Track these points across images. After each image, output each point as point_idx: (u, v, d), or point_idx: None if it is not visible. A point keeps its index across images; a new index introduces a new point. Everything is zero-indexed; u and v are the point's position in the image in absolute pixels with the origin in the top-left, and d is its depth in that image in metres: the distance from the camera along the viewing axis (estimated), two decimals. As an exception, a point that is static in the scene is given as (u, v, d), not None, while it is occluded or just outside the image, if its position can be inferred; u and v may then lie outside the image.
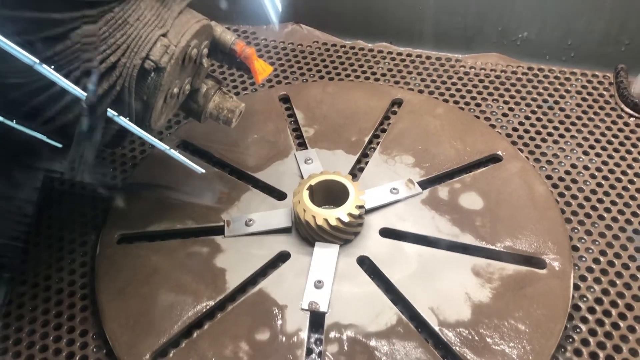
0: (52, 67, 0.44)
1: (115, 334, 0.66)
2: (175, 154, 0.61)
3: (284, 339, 0.65)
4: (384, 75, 0.98)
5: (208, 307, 0.68)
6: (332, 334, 0.65)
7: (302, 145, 0.86)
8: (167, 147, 0.60)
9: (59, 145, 0.56)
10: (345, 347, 0.64)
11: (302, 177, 0.80)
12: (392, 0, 0.99)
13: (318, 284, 0.68)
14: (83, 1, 0.45)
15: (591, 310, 0.69)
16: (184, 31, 0.52)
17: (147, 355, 0.64)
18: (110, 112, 0.50)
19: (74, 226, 0.79)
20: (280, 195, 0.79)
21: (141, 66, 0.50)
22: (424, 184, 0.79)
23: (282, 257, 0.72)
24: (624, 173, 0.82)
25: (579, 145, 0.86)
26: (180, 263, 0.72)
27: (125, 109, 0.52)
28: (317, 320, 0.67)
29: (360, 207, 0.71)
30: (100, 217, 0.79)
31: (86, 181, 0.82)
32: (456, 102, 0.93)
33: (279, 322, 0.66)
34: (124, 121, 0.51)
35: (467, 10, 0.97)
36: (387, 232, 0.74)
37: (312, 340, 0.66)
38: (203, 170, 0.66)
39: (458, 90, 0.95)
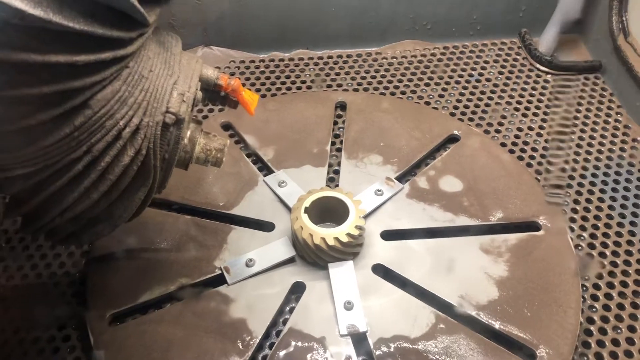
0: (74, 144, 0.37)
1: None
2: None
3: (336, 371, 0.62)
4: (313, 81, 0.97)
5: (243, 364, 0.62)
6: (381, 351, 0.63)
7: (264, 169, 0.82)
8: None
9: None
10: (399, 359, 0.62)
11: (282, 202, 0.76)
12: (304, 7, 0.98)
13: (348, 305, 0.66)
14: (102, 61, 0.37)
15: (589, 256, 0.74)
16: (190, 75, 0.46)
17: None
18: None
19: (46, 322, 0.68)
20: (267, 227, 0.74)
21: (163, 122, 0.43)
22: (400, 179, 0.79)
23: (298, 289, 0.68)
24: (562, 125, 0.89)
25: (516, 109, 0.91)
26: (192, 327, 0.65)
27: (150, 175, 0.45)
28: (360, 341, 0.64)
29: (363, 217, 0.69)
30: (73, 303, 0.69)
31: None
32: (392, 94, 0.94)
33: (325, 356, 0.63)
34: None
35: (379, 5, 0.98)
36: (388, 235, 0.73)
37: (363, 363, 0.64)
38: None
39: (389, 81, 0.96)
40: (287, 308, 0.68)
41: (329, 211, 0.71)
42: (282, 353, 0.63)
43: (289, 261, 0.70)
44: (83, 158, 0.39)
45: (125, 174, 0.42)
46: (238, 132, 0.86)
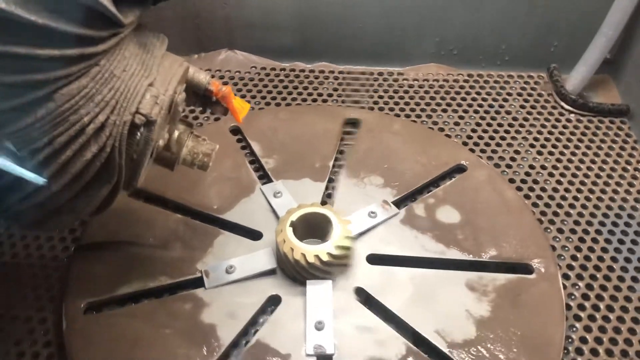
0: (35, 134, 0.38)
1: (106, 421, 0.59)
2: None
3: (295, 390, 0.61)
4: (330, 95, 0.96)
5: (205, 369, 0.62)
6: (344, 376, 0.62)
7: (264, 177, 0.82)
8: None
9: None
10: (361, 388, 0.61)
11: (274, 212, 0.76)
12: (329, 19, 0.98)
13: (319, 325, 0.65)
14: (68, 57, 0.38)
15: (581, 307, 0.70)
16: (169, 78, 0.47)
17: None
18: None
19: (27, 302, 0.69)
20: (255, 235, 0.74)
21: (131, 122, 0.44)
22: (398, 203, 0.78)
23: (274, 301, 0.68)
24: (577, 168, 0.85)
25: (532, 145, 0.88)
26: (162, 326, 0.65)
27: (114, 172, 0.45)
28: (325, 364, 0.63)
29: (348, 237, 0.68)
30: (56, 288, 0.71)
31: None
32: (407, 116, 0.93)
33: (287, 373, 0.62)
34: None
35: (405, 24, 0.97)
36: (374, 259, 0.72)
37: (324, 386, 0.63)
38: None
39: (407, 103, 0.95)
40: (261, 320, 0.68)
41: (316, 228, 0.70)
42: (245, 364, 0.63)
43: (270, 273, 0.70)
44: (44, 149, 0.40)
45: (87, 170, 0.43)
46: (245, 138, 0.87)
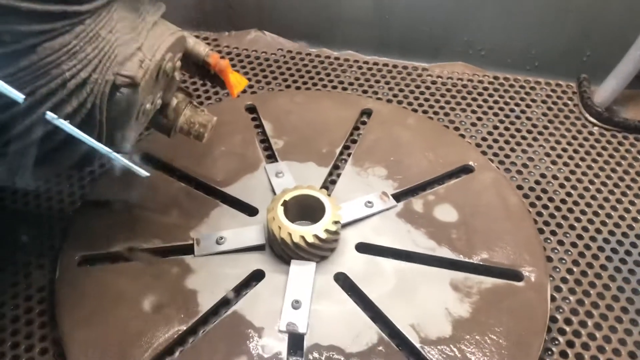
0: (17, 84, 0.40)
1: (81, 366, 0.62)
2: (119, 157, 0.54)
3: (262, 363, 0.62)
4: (351, 84, 0.97)
5: (180, 332, 0.64)
6: (312, 356, 0.63)
7: (271, 157, 0.83)
8: (110, 150, 0.53)
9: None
10: (327, 370, 0.62)
11: (273, 191, 0.77)
12: (358, 9, 0.98)
13: (295, 304, 0.66)
14: (52, 13, 0.40)
15: (568, 322, 0.69)
16: (158, 44, 0.49)
17: (116, 388, 0.60)
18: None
19: (28, 249, 0.73)
20: (251, 211, 0.76)
21: (113, 82, 0.46)
22: (398, 197, 0.78)
23: (257, 276, 0.69)
24: (591, 182, 0.83)
25: (547, 154, 0.86)
26: (147, 286, 0.68)
27: (95, 128, 0.48)
28: (295, 342, 0.64)
29: (337, 222, 0.69)
30: (58, 238, 0.74)
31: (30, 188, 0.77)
32: (425, 112, 0.92)
33: (256, 345, 0.63)
34: (71, 128, 0.46)
35: (433, 20, 0.96)
36: (363, 247, 0.72)
37: (292, 363, 0.64)
38: (147, 174, 0.60)
39: (426, 99, 0.94)
40: (243, 292, 0.69)
41: (308, 210, 0.71)
42: (218, 332, 0.65)
43: (259, 248, 0.71)
44: (25, 99, 0.43)
45: (69, 121, 0.45)
46: (259, 116, 0.88)
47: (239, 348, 0.63)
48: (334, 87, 0.96)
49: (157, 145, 0.82)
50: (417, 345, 0.64)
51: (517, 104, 0.94)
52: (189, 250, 0.71)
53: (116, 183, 0.79)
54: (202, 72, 0.60)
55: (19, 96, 0.41)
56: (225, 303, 0.68)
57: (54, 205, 0.78)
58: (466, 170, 0.82)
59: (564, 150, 0.87)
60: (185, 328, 0.65)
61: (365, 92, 0.96)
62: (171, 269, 0.70)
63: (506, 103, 0.94)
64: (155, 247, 0.72)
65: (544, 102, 0.94)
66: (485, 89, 0.96)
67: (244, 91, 0.95)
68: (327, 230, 0.67)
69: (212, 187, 0.79)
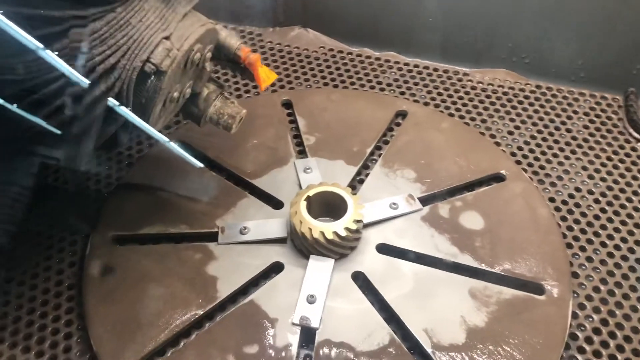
0: (49, 65, 0.43)
1: (101, 340, 0.65)
2: (175, 146, 0.57)
3: (272, 353, 0.63)
4: (389, 85, 0.97)
5: (197, 316, 0.66)
6: (323, 351, 0.63)
7: (302, 153, 0.84)
8: (167, 140, 0.56)
9: (57, 132, 0.54)
10: (336, 366, 0.63)
11: (300, 187, 0.78)
12: (401, 10, 0.98)
13: (311, 299, 0.67)
14: (85, 0, 0.43)
15: (589, 341, 0.67)
16: (187, 35, 0.51)
17: (131, 363, 0.63)
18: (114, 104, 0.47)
19: (64, 225, 0.77)
20: (277, 204, 0.77)
21: (141, 69, 0.48)
22: (424, 200, 0.77)
23: (276, 268, 0.71)
24: (629, 200, 0.80)
25: (584, 168, 0.84)
26: (171, 269, 0.70)
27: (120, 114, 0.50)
28: (307, 336, 0.65)
29: (359, 221, 0.69)
30: (92, 217, 0.78)
31: (80, 173, 0.81)
32: (462, 117, 0.91)
33: (269, 336, 0.65)
34: (128, 114, 0.49)
35: (477, 25, 0.95)
36: (384, 249, 0.72)
37: (302, 356, 0.64)
38: (201, 165, 0.62)
39: (464, 104, 0.93)
40: (261, 283, 0.70)
41: (331, 207, 0.72)
42: (233, 319, 0.66)
43: (280, 241, 0.73)
44: (58, 79, 0.45)
45: (95, 105, 0.47)
46: (294, 112, 0.90)
47: (252, 336, 0.65)
48: (372, 87, 0.96)
49: (192, 134, 0.85)
50: (429, 350, 0.63)
51: (557, 115, 0.91)
52: (213, 237, 0.73)
53: (151, 169, 0.82)
54: (233, 65, 0.61)
55: (84, 81, 0.44)
56: (243, 292, 0.69)
57: (91, 186, 0.81)
58: (497, 178, 0.81)
59: (603, 165, 0.84)
60: (202, 312, 0.66)
61: (402, 93, 0.95)
62: (195, 255, 0.72)
63: (546, 113, 0.92)
64: (182, 233, 0.74)
65: (586, 114, 0.92)
66: (526, 97, 0.94)
67: (282, 86, 0.96)
68: (347, 229, 0.68)
69: (242, 178, 0.80)
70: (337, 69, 1.00)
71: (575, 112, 0.92)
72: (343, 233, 0.68)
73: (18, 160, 0.62)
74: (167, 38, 0.49)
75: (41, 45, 0.41)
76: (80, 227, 0.76)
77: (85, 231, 0.75)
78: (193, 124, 0.69)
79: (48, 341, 0.67)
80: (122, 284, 0.69)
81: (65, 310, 0.69)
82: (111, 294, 0.68)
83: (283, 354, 0.63)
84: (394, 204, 0.76)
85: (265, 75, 0.61)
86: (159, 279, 0.70)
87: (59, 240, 0.76)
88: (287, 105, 0.91)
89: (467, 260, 0.71)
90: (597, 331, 0.68)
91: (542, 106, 0.93)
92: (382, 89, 0.96)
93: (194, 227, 0.75)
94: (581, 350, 0.66)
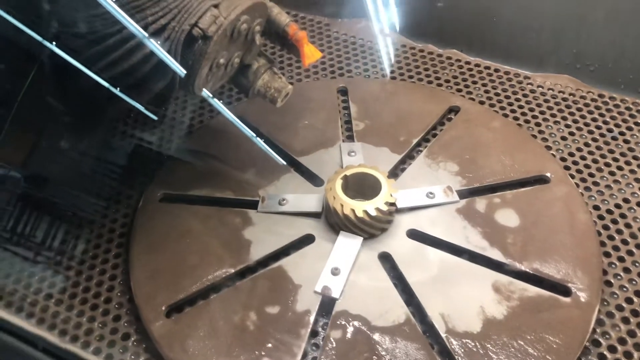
0: (108, 23, 0.48)
1: (139, 284, 0.71)
2: (260, 142, 0.62)
3: (292, 316, 0.67)
4: (447, 81, 0.98)
5: (228, 273, 0.71)
6: (339, 321, 0.66)
7: (350, 137, 0.87)
8: (253, 135, 0.61)
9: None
10: (349, 335, 0.65)
11: (342, 167, 0.81)
12: (467, 9, 0.98)
13: (335, 271, 0.70)
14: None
15: (612, 349, 0.66)
16: (235, 5, 0.55)
17: (163, 307, 0.68)
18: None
19: (125, 179, 0.84)
20: (317, 182, 0.80)
21: (189, 32, 0.53)
22: (463, 194, 0.78)
23: (307, 240, 0.74)
24: (679, 216, 0.77)
25: (637, 180, 0.82)
26: (211, 229, 0.76)
27: (169, 70, 0.55)
28: (327, 305, 0.68)
29: (391, 204, 0.71)
30: (150, 176, 0.84)
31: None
32: (515, 118, 0.91)
33: (291, 300, 0.68)
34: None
35: (542, 28, 0.94)
36: (414, 234, 0.74)
37: (319, 323, 0.68)
38: (284, 162, 0.68)
39: (520, 106, 0.93)
40: (292, 251, 0.74)
41: (367, 189, 0.74)
42: (260, 280, 0.70)
43: (315, 215, 0.76)
44: (116, 35, 0.51)
45: (146, 62, 0.53)
46: (348, 99, 0.93)
47: (276, 298, 0.68)
48: (430, 82, 0.98)
49: (249, 110, 0.90)
50: (443, 334, 0.65)
51: (617, 125, 0.89)
52: (254, 205, 0.78)
53: (208, 138, 0.87)
54: (281, 40, 0.65)
55: (181, 70, 0.50)
56: (273, 257, 0.73)
57: (153, 147, 0.88)
58: (541, 180, 0.80)
59: (658, 179, 0.82)
60: (233, 271, 0.71)
61: (459, 91, 0.96)
62: (235, 219, 0.77)
63: (605, 122, 0.89)
64: (226, 198, 0.79)
65: (649, 127, 0.89)
66: (586, 105, 0.92)
67: (342, 74, 0.99)
68: (377, 209, 0.70)
69: (289, 155, 0.84)
70: (398, 62, 1.02)
71: (637, 124, 0.89)
72: (373, 213, 0.70)
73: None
74: (215, 6, 0.54)
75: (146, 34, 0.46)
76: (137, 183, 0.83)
77: (141, 187, 0.82)
78: (251, 102, 0.74)
79: (95, 280, 0.74)
80: (165, 237, 0.75)
81: (114, 255, 0.76)
82: (154, 244, 0.74)
83: (302, 318, 0.66)
84: (431, 193, 0.77)
85: (310, 53, 0.65)
86: (199, 236, 0.75)
87: (117, 193, 0.83)
88: (343, 92, 0.95)
89: (495, 254, 0.71)
90: (622, 341, 0.66)
91: (601, 115, 0.91)
92: (439, 85, 0.97)
93: (238, 194, 0.79)
94: (601, 357, 0.65)
